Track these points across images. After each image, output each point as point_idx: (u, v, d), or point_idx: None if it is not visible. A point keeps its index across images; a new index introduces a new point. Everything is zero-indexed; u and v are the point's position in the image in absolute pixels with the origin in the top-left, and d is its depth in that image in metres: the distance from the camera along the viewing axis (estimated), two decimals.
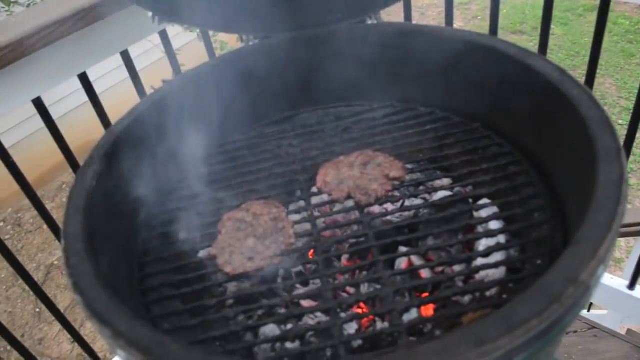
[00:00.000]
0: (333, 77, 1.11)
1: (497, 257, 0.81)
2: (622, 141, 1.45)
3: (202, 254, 0.90)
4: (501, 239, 0.83)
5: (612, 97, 4.92)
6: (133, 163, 0.91)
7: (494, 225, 0.85)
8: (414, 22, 6.03)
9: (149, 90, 1.41)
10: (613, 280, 1.79)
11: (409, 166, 0.97)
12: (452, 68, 1.01)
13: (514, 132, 0.95)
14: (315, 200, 0.93)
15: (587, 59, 4.92)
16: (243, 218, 0.88)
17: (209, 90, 1.06)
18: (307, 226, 0.88)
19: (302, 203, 0.93)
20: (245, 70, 1.10)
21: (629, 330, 3.16)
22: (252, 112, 1.13)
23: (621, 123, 4.57)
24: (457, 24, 5.77)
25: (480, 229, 0.86)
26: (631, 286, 1.75)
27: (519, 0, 6.11)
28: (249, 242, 0.83)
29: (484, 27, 5.78)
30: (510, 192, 0.88)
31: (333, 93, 1.14)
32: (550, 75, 0.84)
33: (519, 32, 5.63)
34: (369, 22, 1.12)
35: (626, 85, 4.95)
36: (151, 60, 3.89)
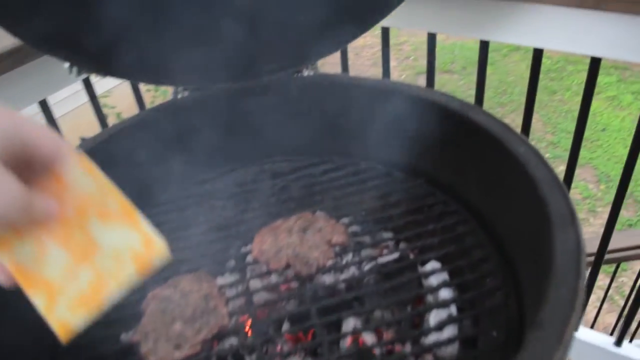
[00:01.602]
0: (269, 131, 1.04)
1: (450, 330, 0.75)
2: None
3: (124, 338, 0.79)
4: (453, 309, 0.77)
5: (539, 132, 5.13)
6: None
7: (445, 293, 0.79)
8: (349, 62, 6.13)
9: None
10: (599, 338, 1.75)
11: (352, 229, 0.90)
12: (392, 121, 0.96)
13: (459, 189, 0.91)
14: (251, 271, 0.84)
15: (513, 96, 5.13)
16: (169, 296, 0.77)
17: (132, 147, 0.96)
18: (243, 302, 0.79)
19: (236, 275, 0.84)
20: (174, 124, 1.01)
21: None
22: (181, 170, 1.03)
23: (548, 156, 4.76)
24: (391, 63, 5.90)
25: (430, 298, 0.80)
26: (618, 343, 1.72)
27: (447, 41, 6.35)
28: (176, 326, 0.73)
29: (416, 67, 5.96)
30: (459, 255, 0.82)
31: (269, 147, 1.06)
32: (495, 131, 0.81)
33: (449, 72, 5.82)
34: (306, 72, 1.06)
35: (551, 120, 5.18)
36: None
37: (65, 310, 0.46)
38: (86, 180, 0.47)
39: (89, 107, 1.50)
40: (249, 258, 0.85)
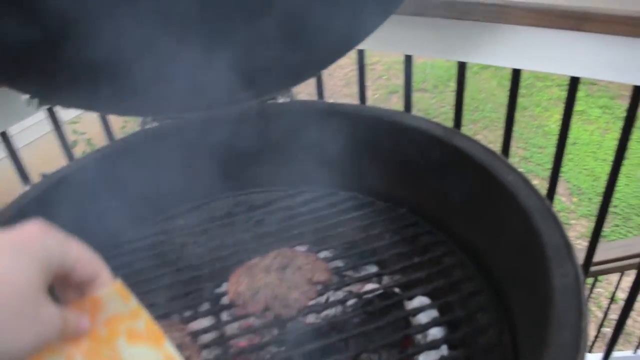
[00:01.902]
0: (244, 160, 0.99)
1: None
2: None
3: None
4: (444, 350, 0.72)
5: (511, 148, 5.17)
6: None
7: (435, 332, 0.74)
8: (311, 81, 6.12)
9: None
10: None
11: (334, 263, 0.85)
12: (373, 148, 0.93)
13: (444, 218, 0.87)
14: (227, 314, 0.78)
15: (485, 113, 5.17)
16: None
17: (98, 182, 0.90)
18: (219, 350, 0.73)
19: (211, 319, 0.78)
20: (142, 156, 0.95)
21: None
22: (151, 205, 0.97)
23: (522, 170, 4.80)
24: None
25: (419, 337, 0.75)
26: None
27: (419, 61, 6.40)
28: None
29: (389, 86, 5.98)
30: (448, 289, 0.78)
31: (245, 178, 1.01)
32: (481, 159, 0.77)
33: (422, 90, 5.85)
34: (281, 99, 1.01)
35: (522, 136, 5.24)
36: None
37: None
38: (119, 301, 0.52)
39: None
40: (225, 300, 0.79)
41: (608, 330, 3.78)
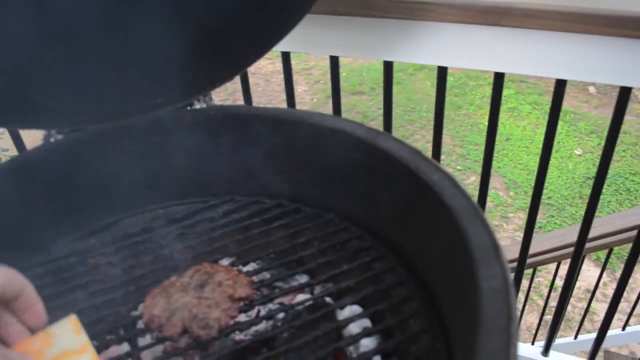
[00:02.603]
0: (159, 172, 0.92)
1: None
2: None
3: None
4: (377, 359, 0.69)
5: (448, 145, 5.29)
6: None
7: (367, 343, 0.71)
8: (259, 89, 6.09)
9: None
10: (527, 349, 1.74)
11: (257, 277, 0.80)
12: (297, 153, 0.88)
13: (373, 222, 0.84)
14: (142, 340, 0.72)
15: (421, 113, 5.28)
16: None
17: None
18: None
19: (126, 346, 0.71)
20: (48, 171, 0.87)
21: None
22: (58, 224, 0.89)
23: (459, 168, 4.92)
24: (301, 87, 5.92)
25: (352, 349, 0.71)
26: (545, 352, 1.72)
27: (355, 64, 6.46)
28: None
29: (326, 90, 5.99)
30: (379, 296, 0.74)
31: (162, 190, 0.94)
32: (405, 158, 0.74)
33: (359, 93, 5.90)
34: (198, 105, 0.96)
35: (458, 134, 5.37)
36: None
37: None
38: (70, 336, 0.58)
39: None
40: (140, 324, 0.73)
41: (550, 318, 3.91)
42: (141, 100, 0.90)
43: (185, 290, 0.72)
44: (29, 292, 0.55)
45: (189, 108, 0.95)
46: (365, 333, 0.70)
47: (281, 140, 0.88)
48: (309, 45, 1.27)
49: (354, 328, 0.73)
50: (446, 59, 1.18)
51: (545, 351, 1.66)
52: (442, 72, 1.23)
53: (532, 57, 1.09)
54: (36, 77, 0.84)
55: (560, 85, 1.15)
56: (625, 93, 1.11)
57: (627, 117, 5.90)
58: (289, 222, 0.87)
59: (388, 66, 1.28)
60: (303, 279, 0.83)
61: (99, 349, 0.71)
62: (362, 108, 5.65)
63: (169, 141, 0.91)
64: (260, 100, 5.89)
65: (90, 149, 0.92)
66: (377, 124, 5.49)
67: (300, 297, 0.79)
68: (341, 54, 1.29)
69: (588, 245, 2.32)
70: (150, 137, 0.92)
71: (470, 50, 1.13)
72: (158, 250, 0.85)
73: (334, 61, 1.32)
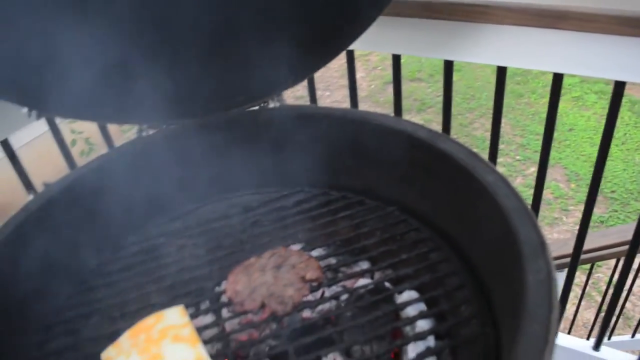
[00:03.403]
0: (238, 164, 1.03)
1: None
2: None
3: None
4: (430, 340, 0.77)
5: (507, 135, 5.21)
6: (9, 278, 0.79)
7: (422, 324, 0.79)
8: (318, 75, 6.14)
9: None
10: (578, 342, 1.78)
11: (327, 261, 0.89)
12: (361, 150, 0.97)
13: (431, 216, 0.91)
14: (226, 312, 0.83)
15: (481, 101, 5.19)
16: None
17: (100, 189, 0.95)
18: (220, 344, 0.78)
19: (211, 316, 0.83)
20: (141, 162, 1.00)
21: None
22: (151, 208, 1.02)
23: (519, 159, 4.85)
24: (359, 74, 5.94)
25: (408, 329, 0.80)
26: (596, 347, 1.75)
27: None
28: None
29: (384, 77, 6.00)
30: (434, 283, 0.82)
31: (239, 180, 1.05)
32: (463, 160, 0.81)
33: (418, 80, 5.88)
34: (272, 104, 1.05)
35: (519, 123, 5.27)
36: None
37: None
38: (177, 316, 0.77)
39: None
40: (224, 298, 0.84)
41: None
42: (223, 100, 1.01)
43: (264, 270, 0.83)
44: None
45: (264, 106, 1.05)
46: (421, 315, 0.78)
47: (347, 139, 0.96)
48: (374, 44, 1.34)
49: (410, 311, 0.81)
50: (505, 59, 1.22)
51: (597, 346, 1.68)
52: (502, 72, 1.27)
53: (589, 58, 1.12)
54: (136, 75, 0.95)
55: (619, 87, 1.18)
56: None
57: None
58: (353, 213, 0.96)
59: (448, 65, 1.33)
60: (365, 265, 0.92)
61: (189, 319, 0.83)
62: (420, 95, 5.63)
63: (246, 137, 1.02)
64: (318, 86, 5.94)
65: (174, 144, 1.03)
66: (436, 110, 5.47)
67: (362, 281, 0.88)
68: (404, 52, 1.35)
69: None
70: (229, 134, 1.03)
71: (528, 51, 1.18)
72: (237, 234, 0.96)
73: (396, 60, 1.39)
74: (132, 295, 0.87)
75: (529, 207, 0.72)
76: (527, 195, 4.68)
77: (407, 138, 0.89)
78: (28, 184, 1.41)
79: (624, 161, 4.73)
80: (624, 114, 5.36)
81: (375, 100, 5.68)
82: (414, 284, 0.82)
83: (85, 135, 2.79)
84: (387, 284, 0.87)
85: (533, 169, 4.89)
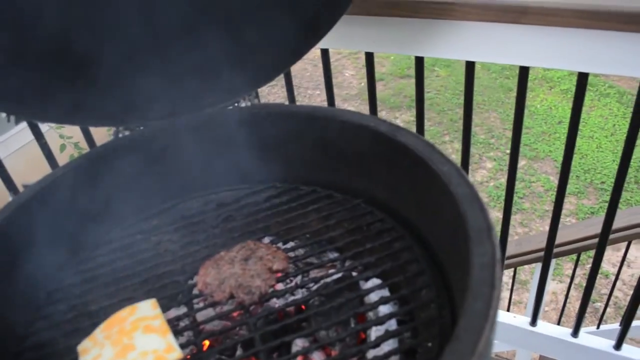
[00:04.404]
0: (212, 162, 1.06)
1: (391, 344, 0.79)
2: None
3: None
4: (392, 324, 0.81)
5: (497, 129, 5.26)
6: None
7: (384, 309, 0.83)
8: (307, 74, 6.23)
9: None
10: (516, 319, 1.84)
11: (293, 253, 0.93)
12: (329, 146, 1.00)
13: (395, 207, 0.95)
14: (197, 303, 0.86)
15: None
16: None
17: (78, 189, 0.98)
18: (192, 334, 0.82)
19: (183, 309, 0.86)
20: (117, 163, 1.03)
21: (540, 357, 3.28)
22: (128, 207, 1.05)
23: (508, 152, 4.87)
24: (349, 72, 5.99)
25: (371, 315, 0.83)
26: (533, 322, 1.81)
27: None
28: None
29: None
30: (397, 271, 0.86)
31: (213, 178, 1.09)
32: (420, 152, 0.85)
33: (407, 77, 5.92)
34: (243, 103, 1.09)
35: (509, 117, 5.31)
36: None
37: None
38: (148, 309, 0.81)
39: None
40: (195, 291, 0.88)
41: (598, 305, 3.88)
42: (196, 100, 1.04)
43: (233, 263, 0.87)
44: None
45: (236, 105, 1.09)
46: (382, 301, 0.82)
47: (316, 135, 1.00)
48: (346, 42, 1.38)
49: (374, 297, 0.85)
50: (472, 54, 1.26)
51: (575, 332, 1.72)
52: (470, 66, 1.31)
53: (552, 51, 1.16)
54: (105, 76, 0.98)
55: (582, 78, 1.22)
56: None
57: None
58: (321, 206, 1.00)
59: (419, 61, 1.37)
60: (332, 255, 0.96)
61: (162, 311, 0.86)
62: (410, 92, 5.67)
63: (220, 136, 1.05)
64: (308, 84, 5.99)
65: (150, 145, 1.06)
66: (425, 107, 5.50)
67: (329, 270, 0.92)
68: (376, 49, 1.39)
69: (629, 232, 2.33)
70: (203, 134, 1.06)
71: (494, 46, 1.21)
72: (210, 229, 1.00)
73: (369, 57, 1.42)
74: (110, 290, 0.90)
75: (479, 194, 0.76)
76: (519, 188, 4.71)
77: (370, 133, 0.93)
78: (13, 189, 1.45)
79: (613, 152, 4.77)
80: (612, 105, 5.40)
81: (364, 98, 5.71)
82: (377, 271, 0.86)
83: (74, 140, 2.81)
84: (353, 273, 0.91)
85: (523, 162, 4.92)
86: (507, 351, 3.63)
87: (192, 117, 1.05)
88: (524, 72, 1.28)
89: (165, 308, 0.88)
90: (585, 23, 1.08)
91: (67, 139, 2.71)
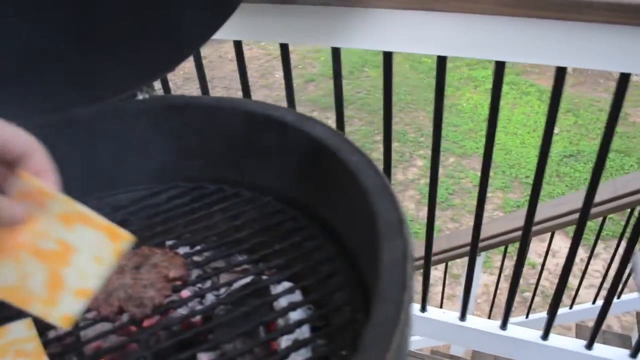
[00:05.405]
0: (106, 161, 0.96)
1: (302, 354, 0.71)
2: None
3: None
4: (305, 331, 0.74)
5: (427, 128, 5.34)
6: None
7: (295, 315, 0.75)
8: (237, 75, 6.09)
9: None
10: (445, 315, 1.83)
11: (199, 257, 0.84)
12: (235, 140, 0.92)
13: (306, 203, 0.88)
14: (81, 320, 0.76)
15: (400, 96, 5.27)
16: None
17: None
18: (75, 355, 0.71)
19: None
20: None
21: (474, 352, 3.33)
22: None
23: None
24: (279, 72, 5.91)
25: (281, 322, 0.76)
26: (462, 317, 1.79)
27: None
28: None
29: (305, 75, 6.01)
30: (308, 272, 0.79)
31: (109, 179, 0.98)
32: (328, 141, 0.79)
33: None
34: (140, 95, 0.99)
35: None
36: None
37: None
38: (22, 331, 0.66)
39: None
40: None
41: (527, 295, 3.99)
42: (84, 93, 0.93)
43: (122, 272, 0.77)
44: (39, 157, 0.50)
45: (133, 98, 0.98)
46: (291, 307, 0.74)
47: (220, 128, 0.92)
48: (258, 33, 1.30)
49: (284, 302, 0.78)
50: (389, 44, 1.21)
51: (503, 325, 1.72)
52: (387, 57, 1.26)
53: (471, 40, 1.13)
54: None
55: (500, 67, 1.20)
56: (561, 73, 1.15)
57: (604, 95, 5.93)
58: (228, 205, 0.91)
59: (336, 52, 1.31)
60: (241, 258, 0.88)
61: (42, 332, 0.75)
62: None
63: (113, 131, 0.94)
64: (238, 86, 5.87)
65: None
66: (356, 107, 5.52)
67: (235, 275, 0.83)
68: (290, 41, 1.32)
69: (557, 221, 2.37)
70: (95, 129, 0.95)
71: (411, 35, 1.17)
72: None
73: (284, 49, 1.35)
74: None
75: (391, 186, 0.70)
76: (448, 184, 4.79)
77: (276, 124, 0.85)
78: None
79: (536, 148, 4.94)
80: (533, 102, 5.61)
81: (297, 98, 5.67)
82: (286, 274, 0.79)
83: None
84: (261, 277, 0.83)
85: (452, 159, 5.02)
86: (443, 344, 3.66)
87: (83, 111, 0.94)
88: (442, 62, 1.25)
89: (46, 328, 0.77)
90: (505, 10, 1.05)
91: None
